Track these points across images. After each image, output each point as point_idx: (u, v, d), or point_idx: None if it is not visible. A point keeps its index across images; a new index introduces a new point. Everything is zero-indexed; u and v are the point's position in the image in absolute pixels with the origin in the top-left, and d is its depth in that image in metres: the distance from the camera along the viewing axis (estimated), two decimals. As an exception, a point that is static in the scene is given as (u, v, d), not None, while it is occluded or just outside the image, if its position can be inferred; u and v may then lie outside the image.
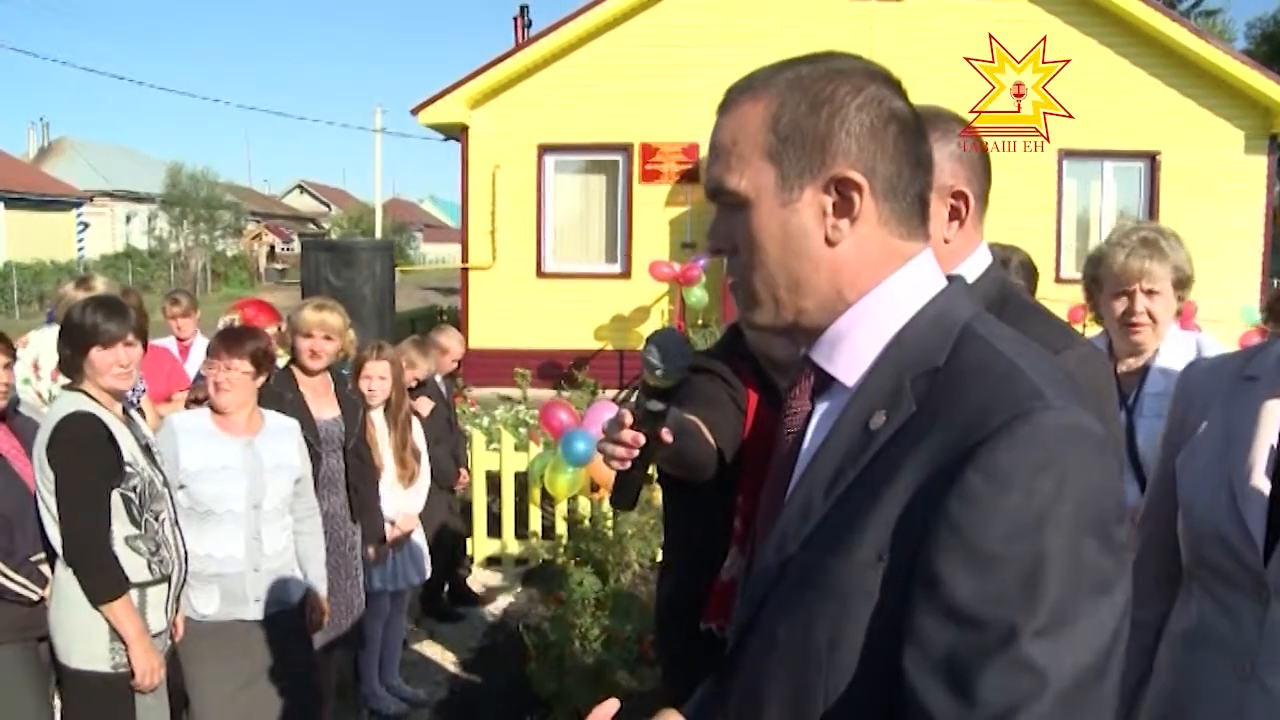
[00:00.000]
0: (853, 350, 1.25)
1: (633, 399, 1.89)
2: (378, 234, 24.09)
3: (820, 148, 1.22)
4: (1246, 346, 2.38)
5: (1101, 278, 3.31)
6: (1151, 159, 14.43)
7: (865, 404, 1.20)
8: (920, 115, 1.30)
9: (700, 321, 13.68)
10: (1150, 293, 3.21)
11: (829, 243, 1.24)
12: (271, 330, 6.52)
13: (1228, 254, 13.28)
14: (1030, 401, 1.07)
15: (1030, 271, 3.72)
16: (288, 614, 4.01)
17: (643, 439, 1.83)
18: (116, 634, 3.41)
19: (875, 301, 1.24)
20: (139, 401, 5.28)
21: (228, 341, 3.91)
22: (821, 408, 1.30)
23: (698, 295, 13.64)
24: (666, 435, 1.89)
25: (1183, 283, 3.24)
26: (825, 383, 1.29)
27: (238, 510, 3.84)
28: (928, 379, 1.16)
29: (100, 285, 5.21)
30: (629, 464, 1.88)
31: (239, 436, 3.90)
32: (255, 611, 3.88)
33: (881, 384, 1.20)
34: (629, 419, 1.83)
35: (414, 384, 6.00)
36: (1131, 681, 2.12)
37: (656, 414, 1.79)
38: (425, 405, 6.03)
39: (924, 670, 1.06)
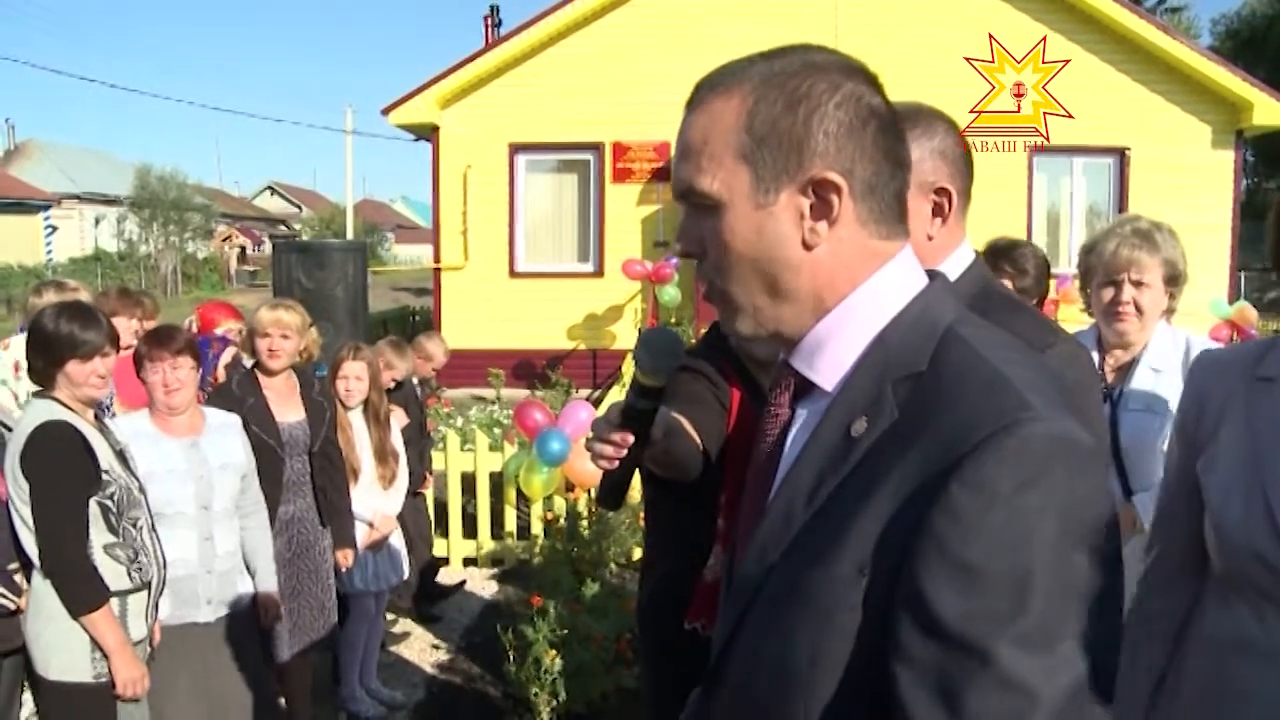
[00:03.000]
0: (833, 355, 1.20)
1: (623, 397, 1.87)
2: (349, 235, 23.91)
3: (797, 148, 1.17)
4: (1250, 340, 2.34)
5: (1093, 266, 3.35)
6: (1121, 154, 14.55)
7: (846, 410, 1.16)
8: (898, 112, 1.26)
9: (674, 320, 13.65)
10: (1139, 284, 3.24)
11: (806, 246, 1.18)
12: (235, 328, 6.47)
13: (1196, 248, 13.11)
14: (1017, 413, 1.03)
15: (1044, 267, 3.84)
16: (241, 615, 3.97)
17: (632, 438, 1.82)
18: (97, 644, 3.34)
19: (856, 304, 1.20)
20: (111, 406, 5.22)
21: (164, 342, 3.79)
22: (802, 413, 1.25)
23: (670, 294, 13.62)
24: (656, 434, 1.88)
25: (1174, 279, 3.27)
26: (806, 388, 1.25)
27: (188, 512, 3.78)
28: (910, 384, 1.12)
29: (77, 290, 5.13)
30: (617, 463, 1.86)
31: (182, 437, 3.83)
32: (208, 614, 3.83)
33: (862, 389, 1.16)
34: (618, 417, 1.82)
35: (391, 385, 5.96)
36: (1155, 674, 2.07)
37: (646, 413, 1.78)
38: (401, 417, 6.00)
39: (914, 687, 1.02)
